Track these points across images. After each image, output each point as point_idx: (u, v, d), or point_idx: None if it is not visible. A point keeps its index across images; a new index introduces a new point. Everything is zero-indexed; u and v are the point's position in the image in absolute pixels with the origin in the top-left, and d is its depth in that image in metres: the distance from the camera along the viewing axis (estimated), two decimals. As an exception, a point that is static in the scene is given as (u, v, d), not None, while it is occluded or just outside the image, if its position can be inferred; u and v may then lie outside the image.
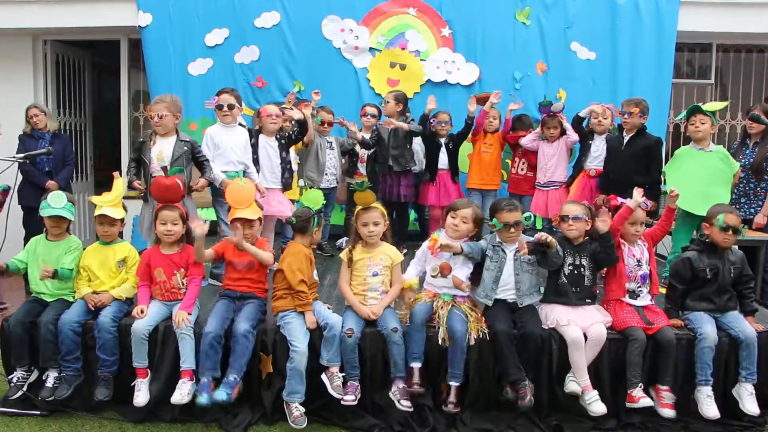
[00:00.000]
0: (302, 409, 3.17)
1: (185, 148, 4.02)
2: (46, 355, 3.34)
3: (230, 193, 3.54)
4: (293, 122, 4.77)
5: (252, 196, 3.54)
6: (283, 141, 4.70)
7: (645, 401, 3.21)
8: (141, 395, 3.26)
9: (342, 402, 3.17)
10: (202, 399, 3.15)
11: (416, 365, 3.26)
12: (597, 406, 3.20)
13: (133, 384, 3.29)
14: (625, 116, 4.64)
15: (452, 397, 3.25)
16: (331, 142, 5.30)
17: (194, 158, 4.13)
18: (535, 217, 4.76)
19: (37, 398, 3.32)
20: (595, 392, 3.24)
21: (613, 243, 3.40)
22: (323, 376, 3.25)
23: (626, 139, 4.69)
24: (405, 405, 3.17)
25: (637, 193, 3.46)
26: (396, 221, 5.39)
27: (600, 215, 3.40)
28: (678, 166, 4.46)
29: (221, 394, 3.13)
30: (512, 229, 3.35)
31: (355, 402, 3.18)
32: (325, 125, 5.23)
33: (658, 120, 6.07)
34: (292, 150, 5.06)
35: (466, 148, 5.58)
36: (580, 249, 3.45)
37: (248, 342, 3.25)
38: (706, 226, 3.53)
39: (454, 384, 3.27)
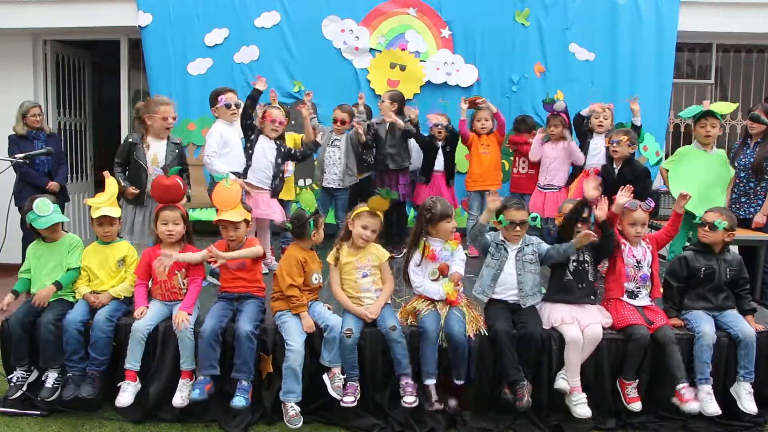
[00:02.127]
0: (297, 409, 3.17)
1: (177, 151, 4.04)
2: (47, 355, 3.34)
3: (216, 195, 3.55)
4: (308, 144, 4.79)
5: (237, 198, 3.53)
6: (282, 149, 4.65)
7: (635, 405, 3.26)
8: (125, 396, 3.23)
9: (342, 404, 3.18)
10: (195, 394, 3.16)
11: (431, 382, 3.24)
12: (582, 409, 3.21)
13: (119, 384, 3.28)
14: (614, 145, 4.53)
15: (452, 402, 3.27)
16: (336, 140, 5.19)
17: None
18: (535, 218, 4.77)
19: (36, 398, 3.32)
20: (583, 395, 3.25)
21: (612, 232, 3.41)
22: (324, 377, 3.26)
23: (616, 170, 4.60)
24: (409, 402, 3.16)
25: (621, 194, 3.43)
26: (395, 220, 5.39)
27: (599, 204, 3.41)
28: (681, 165, 4.45)
29: (240, 401, 3.14)
30: (518, 228, 3.36)
31: (355, 403, 3.18)
32: (338, 123, 5.16)
33: (658, 120, 6.08)
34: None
35: (462, 150, 5.58)
36: None
37: (252, 344, 3.25)
38: (704, 234, 3.53)
39: (458, 382, 3.27)
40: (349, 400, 3.17)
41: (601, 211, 3.38)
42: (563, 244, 3.36)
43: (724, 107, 4.44)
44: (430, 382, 3.26)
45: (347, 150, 5.19)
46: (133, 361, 3.29)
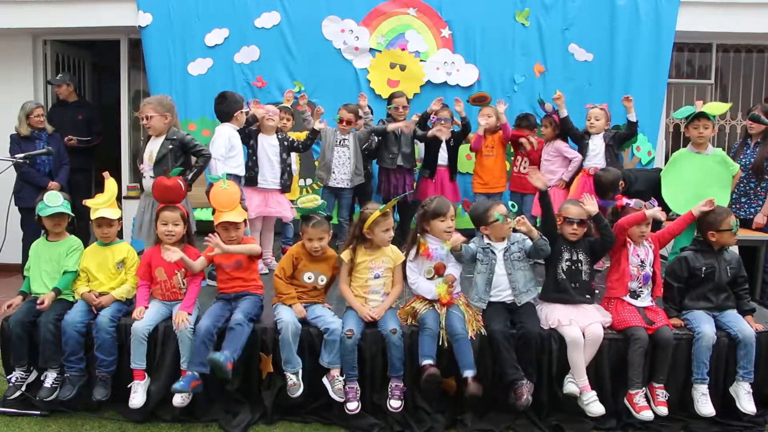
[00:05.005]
0: (294, 379, 3.22)
1: (170, 146, 4.03)
2: (46, 355, 3.34)
3: (214, 196, 3.55)
4: (308, 133, 4.78)
5: (236, 199, 3.55)
6: (285, 143, 4.69)
7: (646, 414, 3.20)
8: (137, 397, 3.25)
9: (346, 410, 3.18)
10: (178, 385, 3.14)
11: (428, 362, 3.15)
12: (595, 407, 3.20)
13: (129, 386, 3.29)
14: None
15: (472, 386, 3.13)
16: (344, 139, 5.15)
17: (188, 151, 4.13)
18: (535, 218, 4.77)
19: (35, 398, 3.32)
20: (593, 393, 3.24)
21: (606, 223, 3.41)
22: (324, 380, 3.26)
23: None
24: (394, 406, 3.17)
25: (659, 211, 3.46)
26: (399, 221, 5.38)
27: (584, 199, 3.42)
28: (675, 170, 4.45)
29: (220, 355, 3.09)
30: (508, 220, 3.34)
31: (358, 410, 3.20)
32: (344, 123, 5.14)
33: (651, 120, 6.07)
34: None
35: (464, 147, 5.58)
36: (576, 244, 3.46)
37: (243, 329, 3.24)
38: (713, 234, 3.51)
39: (470, 374, 3.15)
40: (353, 407, 3.18)
41: (591, 206, 3.38)
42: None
43: (716, 108, 4.45)
44: (428, 362, 3.15)
45: (356, 150, 5.17)
46: (138, 360, 3.29)
